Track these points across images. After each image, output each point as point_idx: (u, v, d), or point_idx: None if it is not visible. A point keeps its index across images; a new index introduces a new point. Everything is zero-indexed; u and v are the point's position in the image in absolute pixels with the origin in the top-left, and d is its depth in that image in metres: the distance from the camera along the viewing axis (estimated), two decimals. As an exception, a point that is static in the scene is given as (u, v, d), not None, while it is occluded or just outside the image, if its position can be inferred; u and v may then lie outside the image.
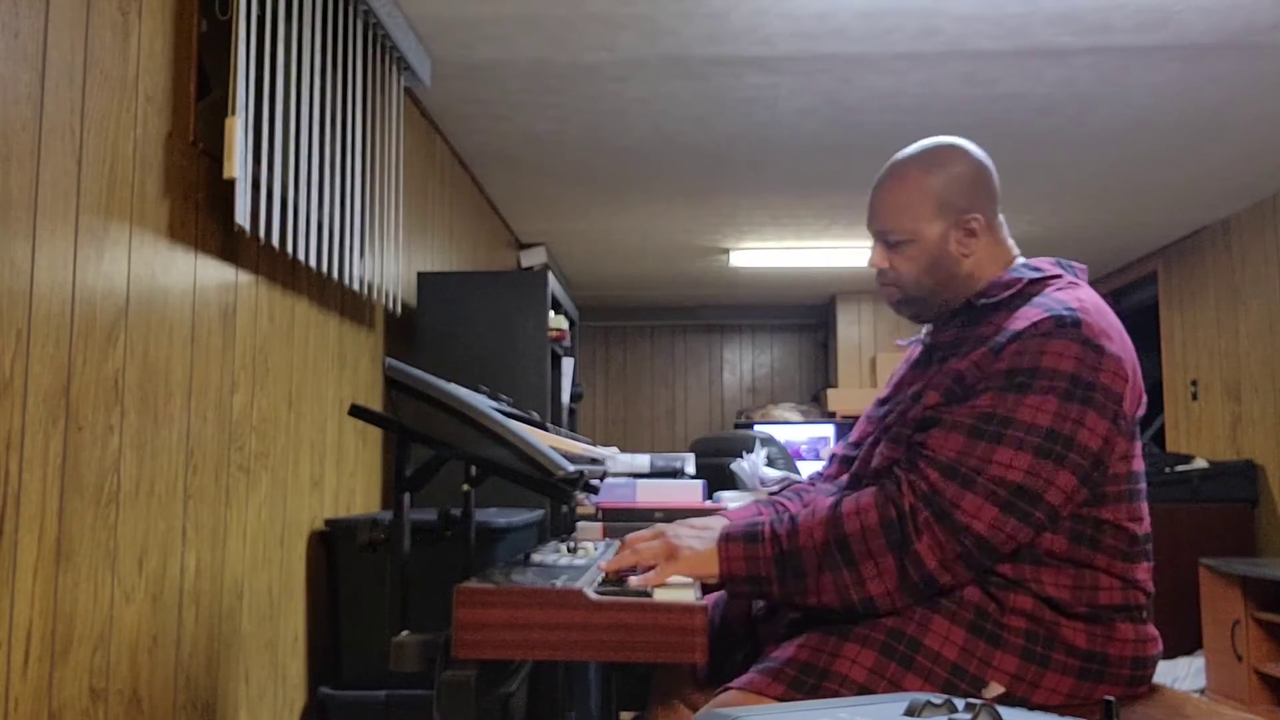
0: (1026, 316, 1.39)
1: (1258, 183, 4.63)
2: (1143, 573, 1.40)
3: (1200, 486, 4.96)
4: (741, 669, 1.56)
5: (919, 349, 1.59)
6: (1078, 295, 1.41)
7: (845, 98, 3.56)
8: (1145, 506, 1.43)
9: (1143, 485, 1.43)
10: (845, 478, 1.59)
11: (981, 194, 1.52)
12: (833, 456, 1.70)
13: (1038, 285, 1.47)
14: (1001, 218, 1.56)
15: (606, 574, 1.43)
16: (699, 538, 1.44)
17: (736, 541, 1.41)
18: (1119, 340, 1.38)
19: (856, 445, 1.63)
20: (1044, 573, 1.35)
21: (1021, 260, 1.54)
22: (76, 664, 1.61)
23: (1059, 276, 1.49)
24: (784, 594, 1.39)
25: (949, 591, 1.35)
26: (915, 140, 1.63)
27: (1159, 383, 6.10)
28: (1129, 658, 1.36)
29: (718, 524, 1.49)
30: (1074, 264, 1.53)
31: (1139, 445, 1.43)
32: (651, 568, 1.43)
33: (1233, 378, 5.19)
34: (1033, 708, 1.33)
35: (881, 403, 1.62)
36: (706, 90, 3.49)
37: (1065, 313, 1.36)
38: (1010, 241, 1.56)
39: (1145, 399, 1.44)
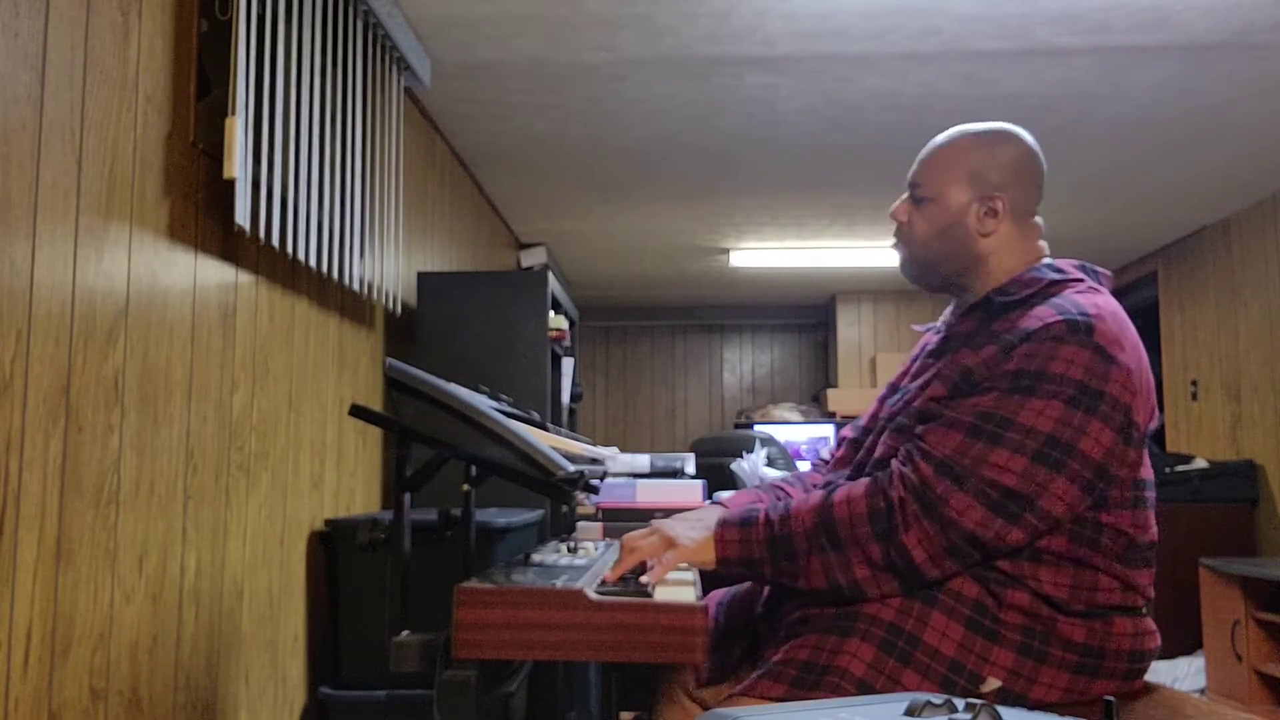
0: (1040, 316, 1.37)
1: (1258, 183, 4.63)
2: (1144, 578, 1.39)
3: (1200, 486, 4.96)
4: (740, 665, 1.57)
5: (936, 337, 1.58)
6: (1095, 301, 1.39)
7: (845, 98, 3.56)
8: (1152, 516, 1.41)
9: (1150, 494, 1.41)
10: (849, 469, 1.60)
11: (1018, 180, 1.51)
12: (841, 439, 1.70)
13: (1058, 286, 1.45)
14: (1038, 219, 1.54)
15: (609, 582, 1.44)
16: (694, 527, 1.47)
17: (732, 526, 1.44)
18: (1132, 351, 1.36)
19: (866, 430, 1.63)
20: (1042, 570, 1.35)
21: (1047, 261, 1.52)
22: (76, 664, 1.61)
23: (1080, 280, 1.47)
24: (775, 575, 1.41)
25: (947, 587, 1.36)
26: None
27: (1159, 383, 6.10)
28: (1126, 651, 1.36)
29: (712, 514, 1.51)
30: (1099, 270, 1.51)
31: (1145, 454, 1.42)
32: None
33: (1233, 378, 5.18)
34: (1030, 704, 1.33)
35: (894, 388, 1.61)
36: (706, 90, 3.49)
37: (1080, 317, 1.34)
38: (1041, 243, 1.54)
39: (1158, 412, 1.42)
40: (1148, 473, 1.41)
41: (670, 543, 1.45)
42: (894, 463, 1.39)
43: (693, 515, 1.52)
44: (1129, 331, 1.38)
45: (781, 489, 1.73)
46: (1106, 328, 1.34)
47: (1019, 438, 1.31)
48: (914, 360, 1.62)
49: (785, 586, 1.43)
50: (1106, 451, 1.32)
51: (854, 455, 1.63)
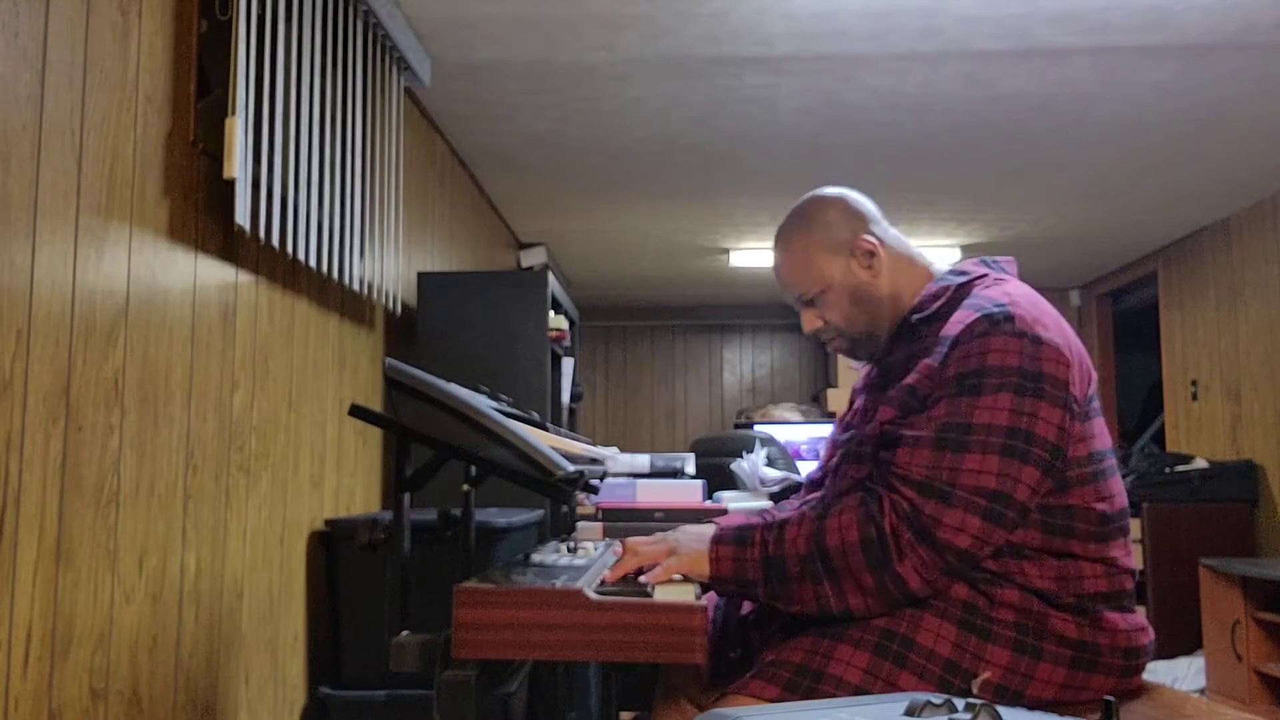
0: (959, 320, 1.42)
1: (1258, 183, 4.63)
2: (1119, 549, 1.41)
3: (1200, 486, 4.96)
4: (735, 668, 1.57)
5: (876, 372, 1.62)
6: (1005, 290, 1.44)
7: (845, 98, 3.56)
8: (1115, 483, 1.43)
9: (1109, 462, 1.43)
10: (815, 498, 1.62)
11: (858, 220, 1.59)
12: (808, 480, 1.73)
13: (965, 288, 1.50)
14: (896, 232, 1.61)
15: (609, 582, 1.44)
16: (697, 540, 1.48)
17: (727, 544, 1.45)
18: (1054, 326, 1.41)
19: (828, 470, 1.64)
20: (1027, 565, 1.37)
21: (946, 269, 1.58)
22: (76, 664, 1.61)
23: (984, 275, 1.52)
24: (769, 597, 1.42)
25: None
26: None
27: (1159, 383, 6.10)
28: (1121, 648, 1.37)
29: (713, 529, 1.52)
30: (999, 260, 1.57)
31: (1098, 423, 1.44)
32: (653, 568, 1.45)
33: (1233, 378, 5.18)
34: (1029, 701, 1.34)
35: (846, 427, 1.64)
36: (706, 90, 3.48)
37: (995, 309, 1.39)
38: (918, 253, 1.61)
39: (1095, 376, 1.46)
40: (1103, 442, 1.43)
41: (671, 551, 1.46)
42: (879, 490, 1.39)
43: (697, 528, 1.54)
44: (1045, 308, 1.43)
45: (774, 516, 1.76)
46: (1023, 312, 1.39)
47: (983, 438, 1.33)
48: (859, 399, 1.65)
49: (779, 609, 1.44)
50: (1058, 430, 1.35)
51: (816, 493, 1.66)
